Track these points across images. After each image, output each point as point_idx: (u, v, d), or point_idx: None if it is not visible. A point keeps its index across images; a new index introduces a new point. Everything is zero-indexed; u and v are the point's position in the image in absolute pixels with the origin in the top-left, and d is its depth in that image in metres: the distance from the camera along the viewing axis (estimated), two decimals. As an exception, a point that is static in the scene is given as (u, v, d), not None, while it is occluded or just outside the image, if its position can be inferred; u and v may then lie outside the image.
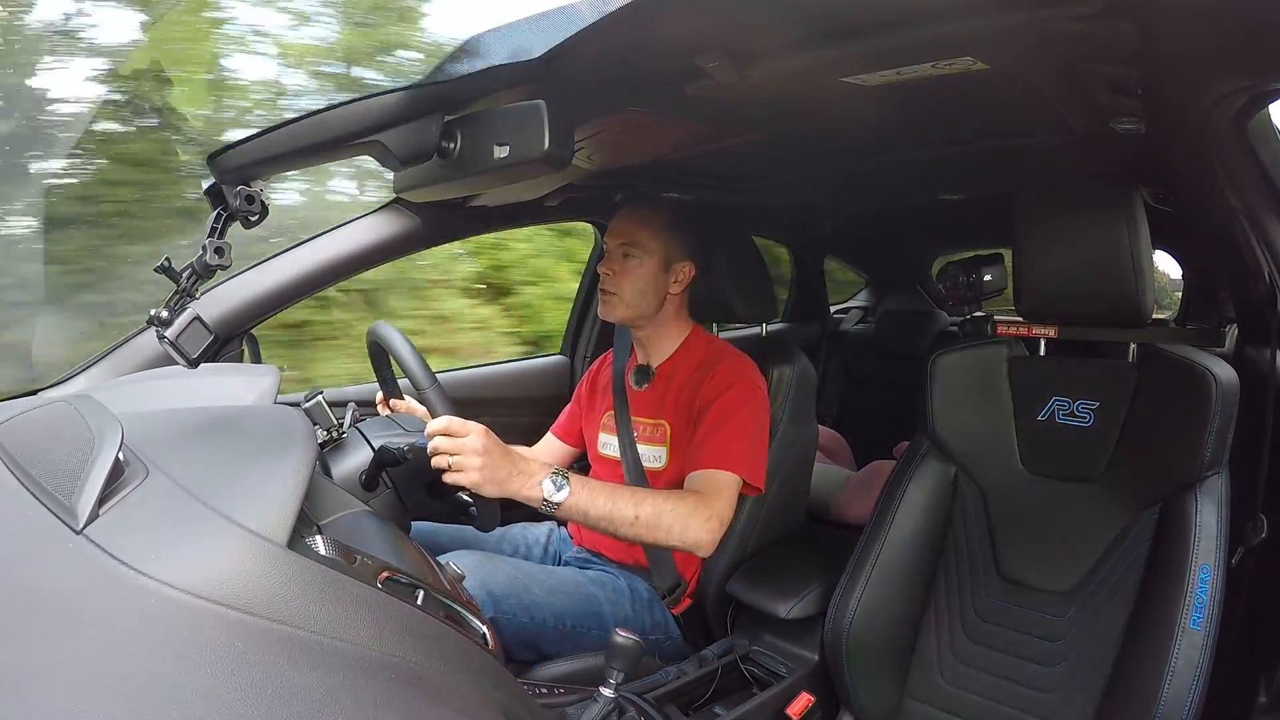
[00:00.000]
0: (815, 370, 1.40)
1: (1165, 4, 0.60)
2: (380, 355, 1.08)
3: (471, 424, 0.89)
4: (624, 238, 1.23)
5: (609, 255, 1.24)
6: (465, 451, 0.87)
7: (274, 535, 0.51)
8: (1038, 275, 1.06)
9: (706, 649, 1.23)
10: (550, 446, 1.45)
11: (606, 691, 0.89)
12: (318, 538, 0.57)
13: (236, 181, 0.69)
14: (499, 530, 1.27)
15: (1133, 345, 1.06)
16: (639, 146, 1.18)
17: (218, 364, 1.07)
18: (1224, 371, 0.96)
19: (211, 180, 0.71)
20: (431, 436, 0.88)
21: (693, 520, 1.03)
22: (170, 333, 0.72)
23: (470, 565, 1.04)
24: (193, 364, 0.75)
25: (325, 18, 3.00)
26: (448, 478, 0.88)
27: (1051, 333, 1.12)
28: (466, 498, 0.94)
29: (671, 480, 1.22)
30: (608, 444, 1.32)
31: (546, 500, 0.93)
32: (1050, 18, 0.65)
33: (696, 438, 1.16)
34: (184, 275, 0.71)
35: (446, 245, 1.61)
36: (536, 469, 0.95)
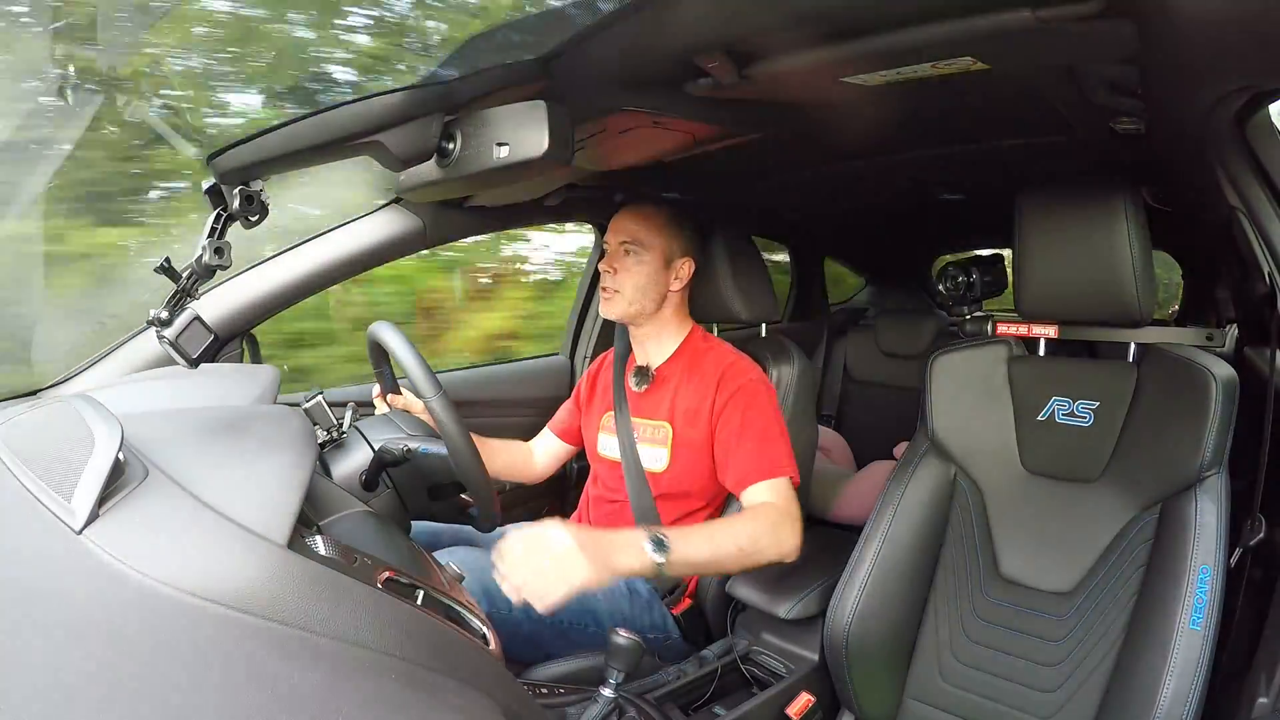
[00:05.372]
0: (815, 370, 1.40)
1: (1165, 4, 0.60)
2: (379, 352, 1.08)
3: (521, 532, 0.84)
4: (625, 235, 1.24)
5: (610, 253, 1.25)
6: (522, 569, 0.81)
7: (274, 535, 0.51)
8: (1037, 275, 1.06)
9: (706, 649, 1.23)
10: (548, 444, 1.45)
11: (606, 691, 0.89)
12: (318, 538, 0.57)
13: (236, 182, 0.69)
14: (499, 530, 1.27)
15: (1132, 345, 1.06)
16: (639, 146, 1.18)
17: (218, 364, 1.07)
18: (1224, 371, 0.96)
19: (211, 180, 0.71)
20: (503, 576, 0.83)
21: (781, 532, 1.04)
22: (170, 333, 0.72)
23: (467, 562, 1.04)
24: (193, 364, 0.74)
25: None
26: (539, 608, 0.81)
27: (1051, 332, 1.12)
28: (467, 498, 0.94)
29: (671, 482, 1.22)
30: (608, 445, 1.32)
31: (655, 562, 0.90)
32: (1050, 18, 0.65)
33: (727, 447, 1.15)
34: (184, 275, 0.71)
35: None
36: (633, 537, 0.92)
